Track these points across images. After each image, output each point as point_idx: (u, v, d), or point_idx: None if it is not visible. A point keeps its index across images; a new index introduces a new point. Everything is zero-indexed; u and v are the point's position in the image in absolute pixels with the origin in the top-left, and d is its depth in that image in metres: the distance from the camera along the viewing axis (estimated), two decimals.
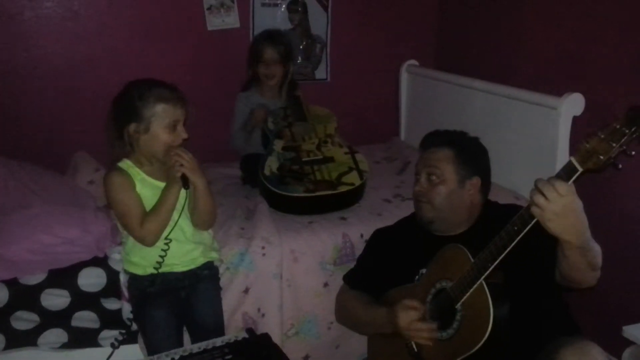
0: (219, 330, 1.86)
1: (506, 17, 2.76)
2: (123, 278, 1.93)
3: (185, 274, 1.83)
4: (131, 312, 1.88)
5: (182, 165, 1.65)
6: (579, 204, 1.29)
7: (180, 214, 1.73)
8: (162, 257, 1.73)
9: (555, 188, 1.24)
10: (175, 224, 1.73)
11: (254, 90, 2.69)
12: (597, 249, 1.44)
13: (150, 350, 1.78)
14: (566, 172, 1.23)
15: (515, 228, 1.34)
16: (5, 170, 2.20)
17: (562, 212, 1.25)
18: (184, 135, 1.70)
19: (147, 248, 1.74)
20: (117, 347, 1.78)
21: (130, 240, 1.76)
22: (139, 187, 1.72)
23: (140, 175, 1.73)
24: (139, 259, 1.78)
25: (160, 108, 1.66)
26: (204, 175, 1.73)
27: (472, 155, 1.76)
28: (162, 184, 1.73)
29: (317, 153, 2.45)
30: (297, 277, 2.11)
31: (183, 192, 1.71)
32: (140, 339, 1.92)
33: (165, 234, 1.72)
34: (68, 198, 2.10)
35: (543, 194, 1.25)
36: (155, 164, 1.74)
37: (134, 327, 1.88)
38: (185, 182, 1.67)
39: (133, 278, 1.83)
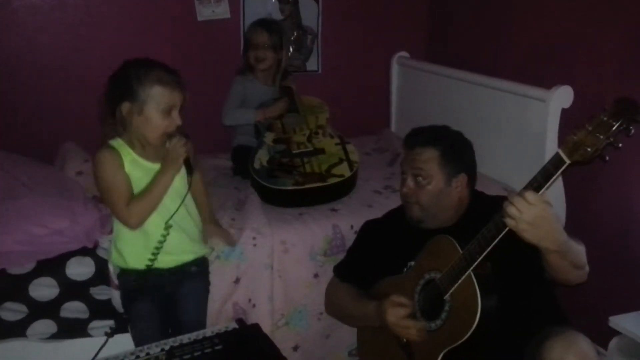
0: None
1: (496, 9, 2.76)
2: (112, 267, 1.91)
3: (171, 270, 1.79)
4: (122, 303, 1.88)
5: (186, 151, 1.66)
6: (550, 211, 1.32)
7: (184, 200, 1.73)
8: (161, 242, 1.71)
9: (524, 198, 1.28)
10: (177, 209, 1.71)
11: (250, 75, 2.68)
12: (578, 248, 1.47)
13: (136, 341, 1.77)
14: (553, 165, 1.25)
15: (504, 220, 1.35)
16: None
17: (534, 221, 1.30)
18: (178, 122, 1.67)
19: (144, 237, 1.72)
20: (112, 336, 1.78)
21: (124, 231, 1.73)
22: (128, 168, 1.67)
23: (130, 155, 1.68)
24: (134, 250, 1.74)
25: (157, 91, 1.62)
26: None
27: (457, 152, 1.75)
28: (154, 166, 1.70)
29: (307, 145, 2.44)
30: (288, 267, 2.12)
31: (182, 179, 1.73)
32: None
33: (166, 218, 1.70)
34: (56, 189, 2.08)
35: (514, 206, 1.29)
36: (147, 146, 1.70)
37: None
38: (189, 167, 1.69)
39: (122, 271, 1.82)
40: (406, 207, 1.79)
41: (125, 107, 1.63)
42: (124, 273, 1.80)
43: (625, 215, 2.14)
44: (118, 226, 1.75)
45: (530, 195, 1.28)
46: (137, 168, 1.69)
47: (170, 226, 1.71)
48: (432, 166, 1.71)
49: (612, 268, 2.19)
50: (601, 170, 2.16)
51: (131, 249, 1.75)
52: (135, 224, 1.68)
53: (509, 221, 1.32)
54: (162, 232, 1.70)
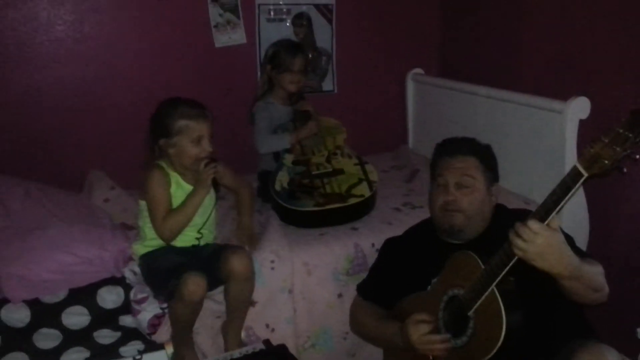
0: None
1: (509, 23, 2.78)
2: (134, 292, 1.97)
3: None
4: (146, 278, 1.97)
5: (215, 171, 1.89)
6: (556, 238, 1.32)
7: (210, 213, 2.02)
8: (198, 238, 2.01)
9: (529, 228, 1.29)
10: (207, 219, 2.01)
11: (269, 98, 2.70)
12: (594, 270, 1.46)
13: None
14: (571, 178, 1.25)
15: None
16: (22, 191, 2.24)
17: (542, 250, 1.31)
18: (209, 149, 1.90)
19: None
20: (140, 359, 1.86)
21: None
22: (173, 188, 1.92)
23: (175, 177, 1.94)
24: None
25: (184, 124, 1.86)
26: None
27: (492, 161, 1.80)
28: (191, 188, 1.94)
29: (326, 166, 2.47)
30: (311, 289, 2.13)
31: (210, 198, 1.98)
32: (167, 346, 1.93)
33: (195, 231, 1.98)
34: (85, 217, 2.13)
35: (520, 237, 1.30)
36: (185, 170, 1.95)
37: (158, 339, 1.93)
38: (216, 186, 1.94)
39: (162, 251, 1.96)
40: (445, 216, 1.74)
41: (162, 142, 1.89)
42: (165, 252, 1.95)
43: None
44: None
45: (534, 224, 1.30)
46: (180, 190, 1.94)
47: (202, 235, 2.00)
48: (476, 173, 1.73)
49: (639, 278, 2.16)
50: (625, 182, 2.14)
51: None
52: (167, 238, 1.91)
53: (517, 252, 1.33)
54: (194, 240, 2.00)
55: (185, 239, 1.98)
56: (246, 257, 1.90)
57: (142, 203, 1.96)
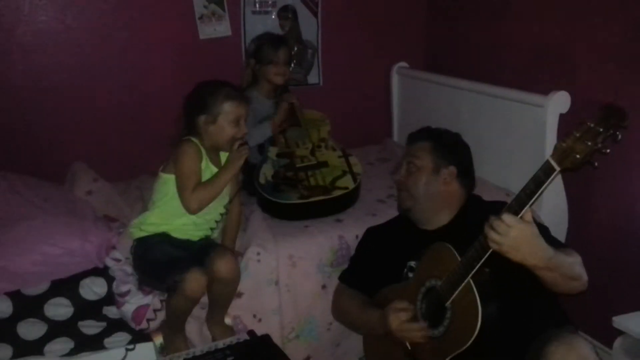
0: None
1: (493, 18, 2.81)
2: (116, 285, 1.97)
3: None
4: (134, 268, 2.00)
5: (247, 154, 1.96)
6: (529, 231, 1.36)
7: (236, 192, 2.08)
8: (217, 221, 2.05)
9: (503, 221, 1.33)
10: (233, 197, 2.07)
11: (254, 92, 2.68)
12: (570, 260, 1.50)
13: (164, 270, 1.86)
14: (544, 172, 1.28)
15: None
16: (5, 182, 2.23)
17: (515, 243, 1.34)
18: (245, 130, 1.99)
19: (194, 226, 1.99)
20: (133, 349, 1.88)
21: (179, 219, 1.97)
22: (204, 164, 1.96)
23: (205, 157, 1.97)
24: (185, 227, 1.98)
25: (228, 105, 1.94)
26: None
27: (448, 146, 1.86)
28: (216, 170, 1.99)
29: (310, 158, 2.49)
30: (296, 281, 2.15)
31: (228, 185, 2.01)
32: (155, 336, 1.95)
33: (224, 202, 2.03)
34: (68, 209, 2.13)
35: (495, 230, 1.34)
36: (212, 153, 2.00)
37: (149, 326, 1.95)
38: (245, 168, 2.01)
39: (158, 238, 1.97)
40: (398, 196, 1.90)
41: (202, 119, 1.94)
42: (161, 241, 1.95)
43: (627, 216, 2.17)
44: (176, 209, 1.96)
45: (508, 218, 1.33)
46: (207, 169, 1.98)
47: (226, 213, 2.06)
48: (423, 155, 1.83)
49: (615, 268, 2.21)
50: (603, 173, 2.18)
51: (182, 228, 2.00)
52: (195, 209, 1.92)
53: (492, 244, 1.37)
54: (216, 219, 2.05)
55: (205, 226, 2.02)
56: (232, 261, 1.92)
57: (165, 176, 1.97)
